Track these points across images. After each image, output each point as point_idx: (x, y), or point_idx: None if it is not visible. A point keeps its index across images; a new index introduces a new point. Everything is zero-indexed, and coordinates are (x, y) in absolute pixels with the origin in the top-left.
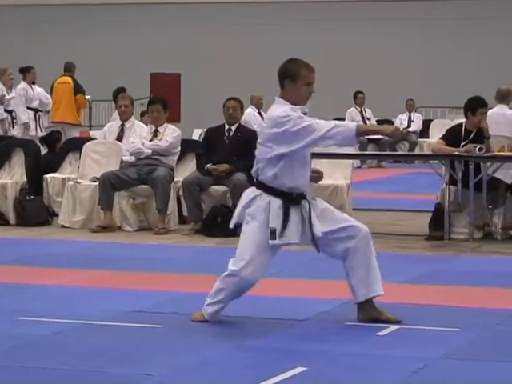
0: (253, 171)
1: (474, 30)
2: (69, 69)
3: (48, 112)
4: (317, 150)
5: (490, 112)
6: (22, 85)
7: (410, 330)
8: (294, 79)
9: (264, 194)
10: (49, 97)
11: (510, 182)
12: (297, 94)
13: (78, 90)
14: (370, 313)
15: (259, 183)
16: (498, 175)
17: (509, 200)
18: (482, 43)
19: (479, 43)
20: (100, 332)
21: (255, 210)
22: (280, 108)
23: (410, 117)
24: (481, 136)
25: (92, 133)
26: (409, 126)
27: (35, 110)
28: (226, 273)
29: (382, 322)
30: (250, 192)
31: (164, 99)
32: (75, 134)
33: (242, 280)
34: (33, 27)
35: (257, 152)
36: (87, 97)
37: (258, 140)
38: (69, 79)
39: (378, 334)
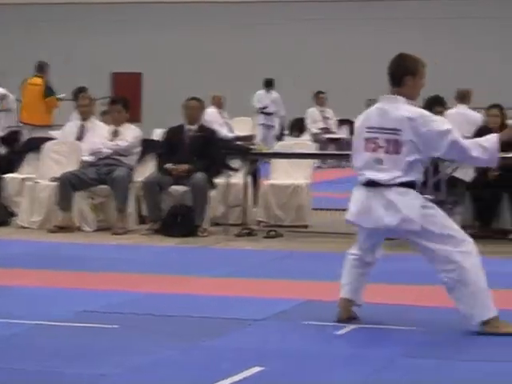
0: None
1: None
2: (41, 68)
3: (8, 111)
4: (277, 149)
5: (449, 112)
6: None
7: (368, 328)
8: (414, 75)
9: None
10: (11, 96)
11: (468, 181)
12: (417, 89)
13: (48, 92)
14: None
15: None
16: (457, 174)
17: (468, 199)
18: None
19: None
20: (57, 332)
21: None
22: (409, 106)
23: None
24: None
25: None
26: None
27: None
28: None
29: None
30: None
31: (125, 99)
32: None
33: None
34: None
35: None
36: (63, 95)
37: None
38: (39, 81)
39: (336, 333)
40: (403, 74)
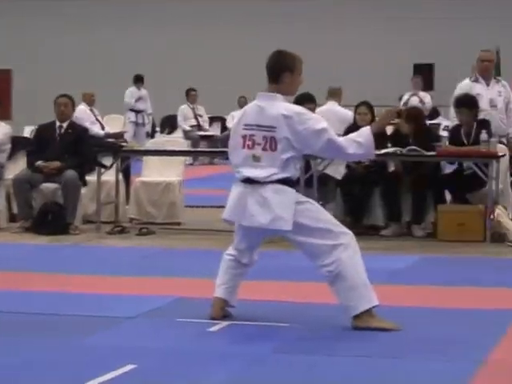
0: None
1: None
2: None
3: None
4: (149, 146)
5: (320, 109)
6: None
7: (242, 325)
8: (292, 72)
9: None
10: None
11: (339, 178)
12: (294, 86)
13: None
14: None
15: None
16: (328, 171)
17: (338, 196)
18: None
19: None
20: None
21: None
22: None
23: None
24: None
25: None
26: None
27: None
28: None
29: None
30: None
31: None
32: None
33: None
34: None
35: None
36: None
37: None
38: None
39: (209, 329)
40: (281, 71)
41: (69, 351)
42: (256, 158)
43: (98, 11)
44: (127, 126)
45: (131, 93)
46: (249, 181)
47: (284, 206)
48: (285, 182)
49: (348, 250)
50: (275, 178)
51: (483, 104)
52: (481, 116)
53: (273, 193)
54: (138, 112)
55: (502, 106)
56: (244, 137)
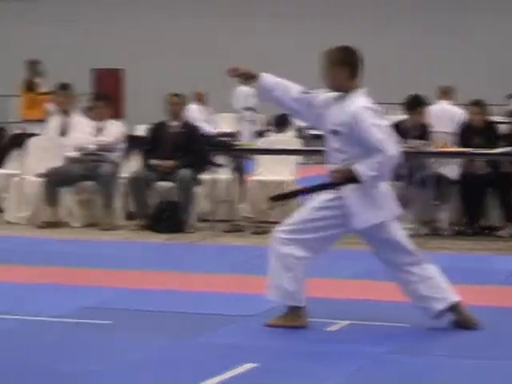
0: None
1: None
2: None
3: None
4: (261, 145)
5: (431, 108)
6: None
7: (359, 325)
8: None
9: None
10: None
11: (454, 178)
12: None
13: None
14: None
15: None
16: (444, 171)
17: (454, 196)
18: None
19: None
20: (48, 328)
21: None
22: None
23: None
24: (424, 132)
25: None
26: None
27: None
28: None
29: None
30: None
31: (108, 95)
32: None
33: None
34: None
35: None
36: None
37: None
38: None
39: (327, 329)
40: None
41: (188, 349)
42: None
43: (213, 11)
44: (243, 125)
45: (244, 91)
46: None
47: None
48: None
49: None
50: None
51: None
52: None
53: None
54: (251, 110)
55: None
56: None
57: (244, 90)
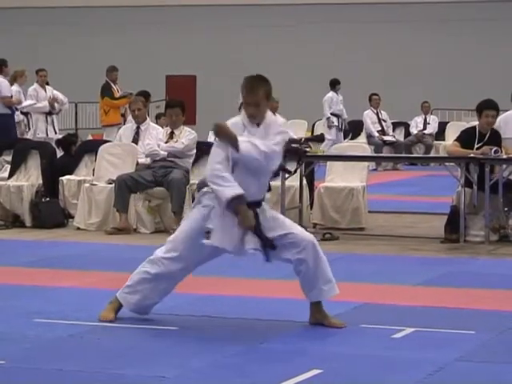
0: None
1: (491, 31)
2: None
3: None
4: (333, 152)
5: (504, 114)
6: (34, 86)
7: (424, 332)
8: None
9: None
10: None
11: None
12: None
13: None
14: (315, 316)
15: None
16: None
17: None
18: (499, 45)
19: (496, 44)
20: (115, 334)
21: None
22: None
23: (425, 119)
24: (496, 138)
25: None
26: (424, 128)
27: (48, 113)
28: None
29: (325, 326)
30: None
31: (182, 102)
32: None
33: None
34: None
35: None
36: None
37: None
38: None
39: (393, 336)
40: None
41: (255, 355)
42: None
43: (285, 17)
44: (331, 131)
45: (331, 98)
46: None
47: None
48: None
49: None
50: None
51: None
52: None
53: None
54: (337, 116)
55: None
56: None
57: (331, 96)
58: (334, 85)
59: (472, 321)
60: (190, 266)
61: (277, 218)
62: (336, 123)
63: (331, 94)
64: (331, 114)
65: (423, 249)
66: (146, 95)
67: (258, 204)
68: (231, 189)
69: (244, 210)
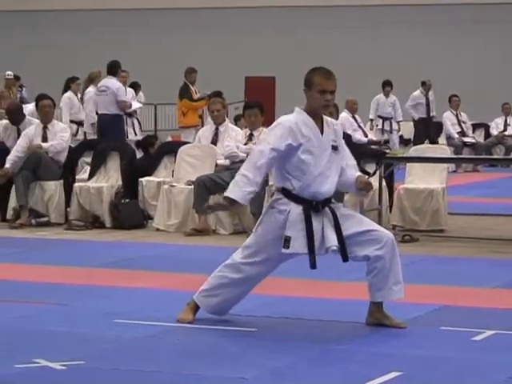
0: None
1: None
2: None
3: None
4: (412, 153)
5: None
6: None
7: (505, 335)
8: (309, 87)
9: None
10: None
11: None
12: (310, 102)
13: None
14: (375, 316)
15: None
16: None
17: None
18: None
19: None
20: (194, 335)
21: None
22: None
23: (506, 120)
24: None
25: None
26: (505, 129)
27: (129, 115)
28: None
29: (387, 326)
30: None
31: (261, 103)
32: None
33: None
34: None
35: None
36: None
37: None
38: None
39: (473, 338)
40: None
41: (333, 356)
42: None
43: (363, 18)
44: (374, 133)
45: (377, 100)
46: None
47: None
48: None
49: None
50: None
51: None
52: None
53: None
54: (384, 119)
55: None
56: None
57: (377, 98)
58: (384, 87)
59: None
60: (268, 270)
61: (353, 215)
62: (380, 126)
63: (379, 96)
64: (378, 116)
65: (503, 251)
66: (221, 95)
67: (329, 201)
68: (238, 191)
69: (225, 207)
